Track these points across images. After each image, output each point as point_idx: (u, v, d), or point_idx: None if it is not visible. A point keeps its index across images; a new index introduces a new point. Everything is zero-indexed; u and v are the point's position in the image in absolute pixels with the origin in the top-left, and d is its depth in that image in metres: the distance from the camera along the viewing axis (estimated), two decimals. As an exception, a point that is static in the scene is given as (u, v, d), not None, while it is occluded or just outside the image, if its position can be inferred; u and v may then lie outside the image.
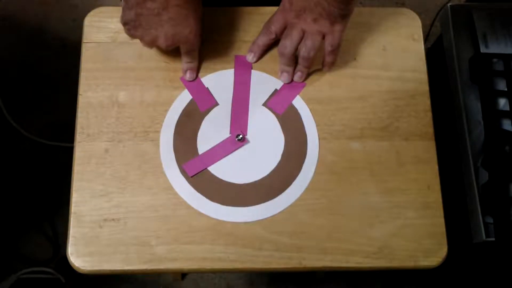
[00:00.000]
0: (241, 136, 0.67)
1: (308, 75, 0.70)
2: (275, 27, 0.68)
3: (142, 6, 0.60)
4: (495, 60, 0.82)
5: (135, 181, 0.65)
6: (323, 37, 0.66)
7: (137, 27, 0.62)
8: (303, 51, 0.66)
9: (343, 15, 0.64)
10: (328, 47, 0.66)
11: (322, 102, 0.69)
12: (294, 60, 0.68)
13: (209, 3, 0.73)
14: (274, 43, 0.70)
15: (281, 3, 0.67)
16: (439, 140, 0.69)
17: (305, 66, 0.68)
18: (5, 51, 1.40)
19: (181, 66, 0.69)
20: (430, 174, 0.66)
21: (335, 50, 0.67)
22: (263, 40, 0.70)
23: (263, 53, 0.71)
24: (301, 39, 0.66)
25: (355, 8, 0.65)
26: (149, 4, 0.60)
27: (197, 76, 0.70)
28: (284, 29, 0.68)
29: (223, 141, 0.67)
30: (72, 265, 0.62)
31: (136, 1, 0.60)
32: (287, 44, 0.66)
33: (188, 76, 0.70)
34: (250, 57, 0.71)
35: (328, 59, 0.68)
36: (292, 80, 0.70)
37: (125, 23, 0.63)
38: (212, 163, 0.66)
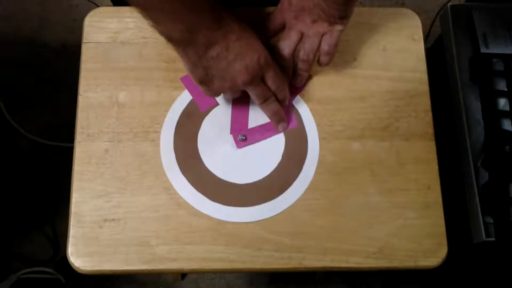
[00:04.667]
0: (242, 136, 0.67)
1: (307, 77, 0.70)
2: (272, 26, 0.68)
3: (204, 58, 0.57)
4: (495, 60, 0.82)
5: (135, 181, 0.65)
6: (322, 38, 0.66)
7: (212, 79, 0.59)
8: (302, 54, 0.66)
9: (342, 17, 0.63)
10: (324, 46, 0.66)
11: (322, 102, 0.69)
12: (292, 61, 0.68)
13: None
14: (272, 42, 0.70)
15: (280, 3, 0.67)
16: (439, 140, 0.69)
17: (304, 69, 0.68)
18: (5, 51, 1.40)
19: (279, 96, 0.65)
20: (430, 174, 0.66)
21: (332, 50, 0.66)
22: (261, 38, 0.69)
23: None
24: (299, 40, 0.66)
25: (355, 8, 0.65)
26: (210, 52, 0.57)
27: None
28: (281, 28, 0.68)
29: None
30: (72, 265, 0.62)
31: (198, 56, 0.57)
32: (285, 46, 0.66)
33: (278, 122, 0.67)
34: None
35: (324, 59, 0.67)
36: (291, 81, 0.70)
37: (201, 82, 0.60)
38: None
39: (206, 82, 0.60)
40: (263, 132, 0.68)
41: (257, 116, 0.69)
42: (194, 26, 0.54)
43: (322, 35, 0.65)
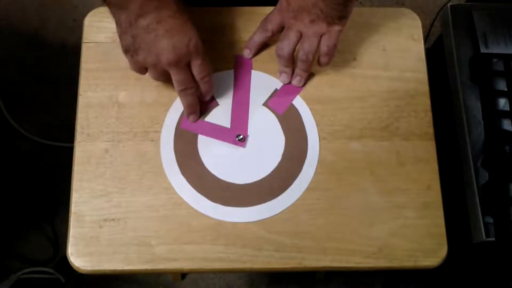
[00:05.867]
0: (241, 136, 0.67)
1: (308, 76, 0.70)
2: (271, 25, 0.68)
3: (134, 26, 0.58)
4: (495, 60, 0.82)
5: (135, 181, 0.65)
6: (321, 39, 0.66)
7: (137, 50, 0.59)
8: (301, 54, 0.66)
9: (341, 17, 0.63)
10: (324, 47, 0.66)
11: (322, 102, 0.69)
12: (292, 61, 0.68)
13: (209, 3, 0.73)
14: (272, 42, 0.70)
15: (279, 2, 0.67)
16: (439, 140, 0.69)
17: (303, 70, 0.68)
18: (5, 51, 1.40)
19: (201, 89, 0.65)
20: (430, 174, 0.66)
21: (331, 51, 0.66)
22: (260, 38, 0.70)
23: (259, 50, 0.71)
24: (298, 40, 0.66)
25: (355, 8, 0.65)
26: (141, 21, 0.57)
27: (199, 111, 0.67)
28: (280, 28, 0.67)
29: (222, 129, 0.68)
30: (72, 265, 0.62)
31: (128, 23, 0.58)
32: (285, 46, 0.66)
33: (191, 110, 0.66)
34: (246, 53, 0.71)
35: (323, 60, 0.67)
36: (291, 81, 0.70)
37: (126, 51, 0.60)
38: (202, 133, 0.67)
39: (131, 52, 0.59)
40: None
41: (257, 116, 0.69)
42: None
43: (321, 36, 0.65)
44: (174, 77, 0.62)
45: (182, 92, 0.64)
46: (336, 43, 0.66)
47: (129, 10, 0.56)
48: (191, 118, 0.67)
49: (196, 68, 0.62)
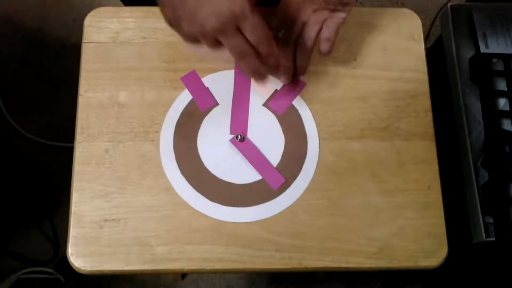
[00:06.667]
0: (240, 136, 0.67)
1: (308, 75, 0.70)
2: (276, 22, 0.67)
3: None
4: (495, 60, 0.82)
5: (135, 181, 0.65)
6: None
7: (179, 22, 0.54)
8: (301, 40, 0.65)
9: (344, 3, 0.62)
10: (324, 32, 0.64)
11: (322, 102, 0.69)
12: (293, 58, 0.67)
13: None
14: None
15: None
16: (439, 140, 0.69)
17: (303, 64, 0.67)
18: (5, 51, 1.40)
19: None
20: (430, 174, 0.66)
21: (332, 36, 0.64)
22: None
23: None
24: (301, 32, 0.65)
25: (356, 8, 0.65)
26: None
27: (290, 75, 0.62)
28: (284, 22, 0.67)
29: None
30: (72, 266, 0.62)
31: None
32: (288, 37, 0.65)
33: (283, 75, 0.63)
34: None
35: (323, 46, 0.65)
36: (291, 81, 0.70)
37: (169, 24, 0.56)
38: None
39: (175, 25, 0.55)
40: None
41: (257, 117, 0.69)
42: None
43: (323, 23, 0.64)
44: (226, 44, 0.55)
45: (239, 59, 0.56)
46: (337, 29, 0.64)
47: None
48: (263, 90, 0.60)
49: (248, 32, 0.54)
